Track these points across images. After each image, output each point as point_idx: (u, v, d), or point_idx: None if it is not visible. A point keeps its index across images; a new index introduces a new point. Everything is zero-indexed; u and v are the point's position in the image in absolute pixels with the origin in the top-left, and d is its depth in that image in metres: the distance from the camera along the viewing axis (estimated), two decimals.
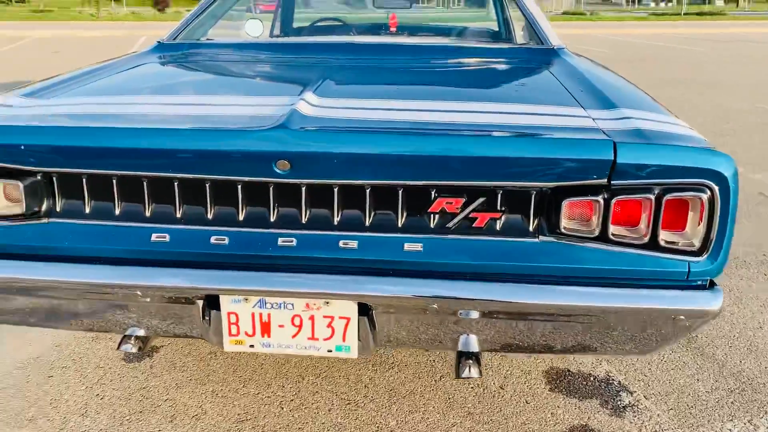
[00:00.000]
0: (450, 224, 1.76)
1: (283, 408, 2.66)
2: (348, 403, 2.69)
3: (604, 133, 1.71)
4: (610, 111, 1.92)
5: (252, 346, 1.89)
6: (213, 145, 1.69)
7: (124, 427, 2.55)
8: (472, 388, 2.80)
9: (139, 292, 1.75)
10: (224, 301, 1.81)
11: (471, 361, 1.88)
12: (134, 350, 1.94)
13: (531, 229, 1.74)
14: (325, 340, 1.86)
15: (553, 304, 1.66)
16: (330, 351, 1.87)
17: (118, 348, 1.96)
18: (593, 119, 1.85)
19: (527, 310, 1.69)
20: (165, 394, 2.75)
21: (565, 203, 1.68)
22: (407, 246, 1.74)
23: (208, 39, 3.27)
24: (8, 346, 3.13)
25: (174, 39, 3.10)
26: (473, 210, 1.74)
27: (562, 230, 1.71)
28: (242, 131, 1.72)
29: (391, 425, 2.57)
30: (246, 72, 2.68)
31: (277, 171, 1.70)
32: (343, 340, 1.85)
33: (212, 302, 1.83)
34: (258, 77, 2.61)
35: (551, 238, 1.73)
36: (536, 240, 1.74)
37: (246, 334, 1.87)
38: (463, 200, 1.73)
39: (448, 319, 1.76)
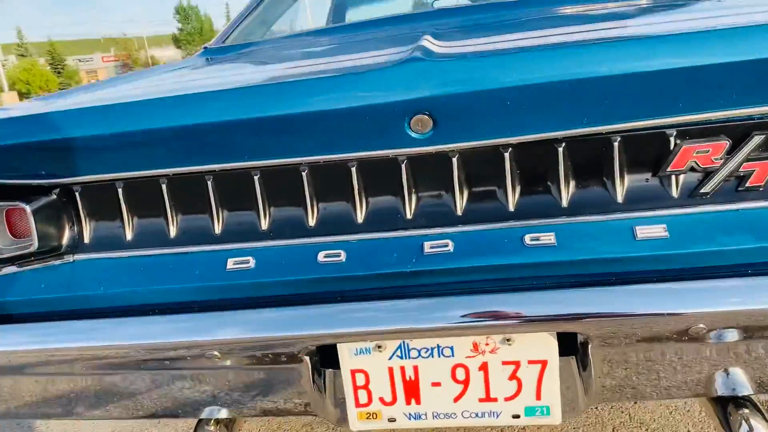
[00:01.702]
0: (706, 188, 1.07)
1: None
2: None
3: None
4: None
5: (393, 420, 1.22)
6: (305, 105, 1.06)
7: None
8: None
9: (216, 353, 1.11)
10: (345, 353, 1.16)
11: (747, 411, 1.15)
12: None
13: None
14: (508, 399, 1.17)
15: None
16: (517, 417, 1.19)
17: None
18: None
19: None
20: None
21: None
22: (641, 232, 1.06)
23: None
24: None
25: (223, 42, 2.54)
26: (745, 160, 1.05)
27: None
28: (349, 76, 1.09)
29: None
30: (324, 53, 2.01)
31: (412, 134, 1.05)
32: (538, 397, 1.17)
33: (326, 356, 1.17)
34: (346, 53, 1.90)
35: None
36: None
37: (382, 401, 1.20)
38: (726, 144, 1.04)
39: (715, 346, 1.05)
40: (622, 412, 2.22)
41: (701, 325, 1.02)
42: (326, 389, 1.22)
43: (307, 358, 1.17)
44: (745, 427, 1.15)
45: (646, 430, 2.11)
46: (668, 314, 1.01)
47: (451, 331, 1.09)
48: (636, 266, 1.06)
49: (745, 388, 1.14)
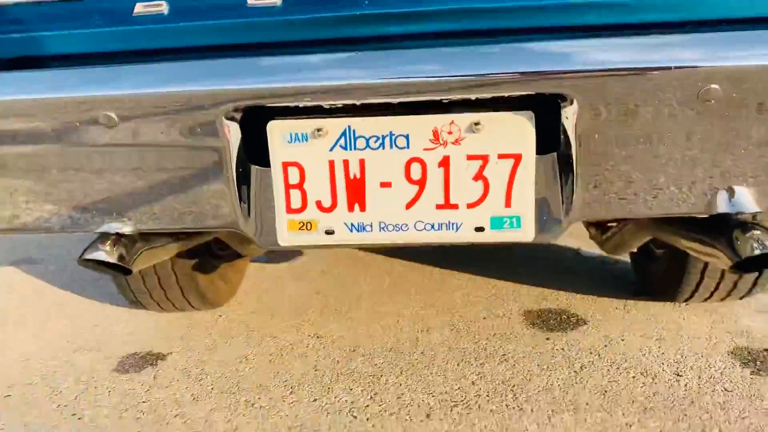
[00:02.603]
0: None
1: (355, 416, 1.71)
2: (454, 406, 1.74)
3: None
4: None
5: (331, 232, 0.99)
6: None
7: None
8: (633, 377, 1.85)
9: (112, 114, 0.88)
10: (276, 138, 0.93)
11: (757, 232, 0.96)
12: (110, 258, 1.04)
13: None
14: (472, 206, 0.96)
15: None
16: (481, 230, 0.97)
17: (81, 257, 1.05)
18: None
19: None
20: (175, 408, 1.81)
21: None
22: None
23: None
24: None
25: None
26: None
27: None
28: None
29: (532, 430, 1.62)
30: None
31: None
32: (507, 204, 0.96)
33: (253, 150, 0.95)
34: None
35: None
36: None
37: (319, 206, 0.98)
38: None
39: (729, 124, 0.86)
40: (591, 353, 2.02)
41: (714, 86, 0.83)
42: (251, 191, 0.99)
43: (226, 133, 0.94)
44: (757, 246, 0.95)
45: (617, 369, 1.91)
46: (678, 68, 0.82)
47: (408, 88, 0.87)
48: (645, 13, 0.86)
49: (753, 206, 0.94)
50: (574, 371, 1.91)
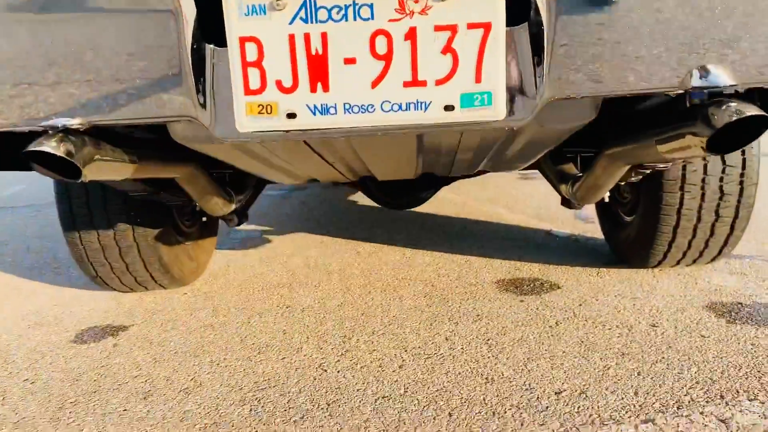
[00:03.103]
0: None
1: (325, 370, 1.64)
2: (428, 358, 1.68)
3: None
4: None
5: (293, 115, 0.94)
6: None
7: (65, 411, 1.50)
8: (609, 329, 1.81)
9: None
10: (232, 10, 0.88)
11: (733, 104, 0.93)
12: (57, 152, 0.97)
13: None
14: (440, 83, 0.92)
15: None
16: (450, 108, 0.93)
17: (24, 152, 0.98)
18: None
19: None
20: (135, 370, 1.72)
21: None
22: None
23: None
24: None
25: None
26: None
27: None
28: None
29: (507, 375, 1.56)
30: None
31: None
32: (477, 79, 0.92)
33: (208, 17, 0.90)
34: None
35: None
36: None
37: (279, 87, 0.93)
38: None
39: None
40: (566, 311, 1.98)
41: None
42: (206, 74, 0.94)
43: (181, 6, 0.89)
44: (734, 113, 0.91)
45: (593, 323, 1.87)
46: None
47: None
48: None
49: (724, 79, 0.92)
50: (549, 326, 1.87)
